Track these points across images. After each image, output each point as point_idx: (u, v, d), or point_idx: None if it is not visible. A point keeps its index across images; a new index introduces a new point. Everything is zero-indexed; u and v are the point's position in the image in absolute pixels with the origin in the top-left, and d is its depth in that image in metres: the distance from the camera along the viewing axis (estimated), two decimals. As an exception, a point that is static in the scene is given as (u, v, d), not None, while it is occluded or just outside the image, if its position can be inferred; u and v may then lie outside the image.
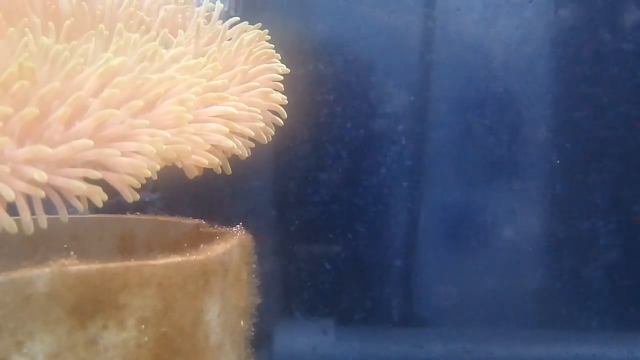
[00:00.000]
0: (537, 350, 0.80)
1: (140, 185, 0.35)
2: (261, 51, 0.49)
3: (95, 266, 0.32)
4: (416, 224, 0.82)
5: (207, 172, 0.41)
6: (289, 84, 0.49)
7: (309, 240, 0.82)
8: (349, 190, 0.81)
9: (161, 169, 0.37)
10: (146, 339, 0.34)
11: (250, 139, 0.45)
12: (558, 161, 0.80)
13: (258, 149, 0.46)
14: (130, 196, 0.35)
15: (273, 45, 0.49)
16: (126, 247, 0.50)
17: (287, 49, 0.78)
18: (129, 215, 0.52)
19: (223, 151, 0.41)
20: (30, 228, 0.32)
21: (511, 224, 0.81)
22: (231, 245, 0.41)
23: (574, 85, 0.80)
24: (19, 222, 0.32)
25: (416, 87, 0.80)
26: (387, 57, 0.79)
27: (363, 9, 0.79)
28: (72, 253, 0.33)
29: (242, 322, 0.42)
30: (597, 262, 0.81)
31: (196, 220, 0.49)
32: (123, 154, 0.34)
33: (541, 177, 0.81)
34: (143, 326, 0.34)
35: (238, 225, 0.45)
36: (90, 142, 0.33)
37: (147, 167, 0.34)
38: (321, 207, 0.81)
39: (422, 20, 0.79)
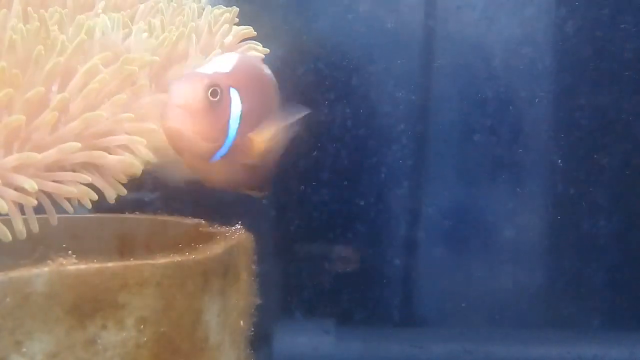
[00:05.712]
0: (537, 350, 0.80)
1: (126, 181, 0.35)
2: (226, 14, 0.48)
3: (94, 266, 0.32)
4: (416, 224, 0.82)
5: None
6: (290, 84, 0.49)
7: (309, 240, 0.82)
8: (349, 190, 0.81)
9: (160, 168, 0.37)
10: (145, 338, 0.34)
11: None
12: (560, 161, 0.80)
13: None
14: (114, 197, 0.36)
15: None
16: (126, 247, 0.50)
17: (287, 49, 0.78)
18: (128, 215, 0.52)
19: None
20: (22, 234, 0.32)
21: (512, 224, 0.81)
22: (231, 245, 0.40)
23: (575, 84, 0.79)
24: (10, 226, 0.32)
25: (417, 86, 0.80)
26: (388, 57, 0.79)
27: (363, 8, 0.79)
28: (70, 252, 0.33)
29: (241, 322, 0.42)
30: (598, 262, 0.81)
31: (196, 220, 0.49)
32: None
33: (542, 177, 0.81)
34: (142, 326, 0.34)
35: (238, 225, 0.45)
36: (78, 145, 0.33)
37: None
38: (321, 207, 0.81)
39: (422, 19, 0.79)
